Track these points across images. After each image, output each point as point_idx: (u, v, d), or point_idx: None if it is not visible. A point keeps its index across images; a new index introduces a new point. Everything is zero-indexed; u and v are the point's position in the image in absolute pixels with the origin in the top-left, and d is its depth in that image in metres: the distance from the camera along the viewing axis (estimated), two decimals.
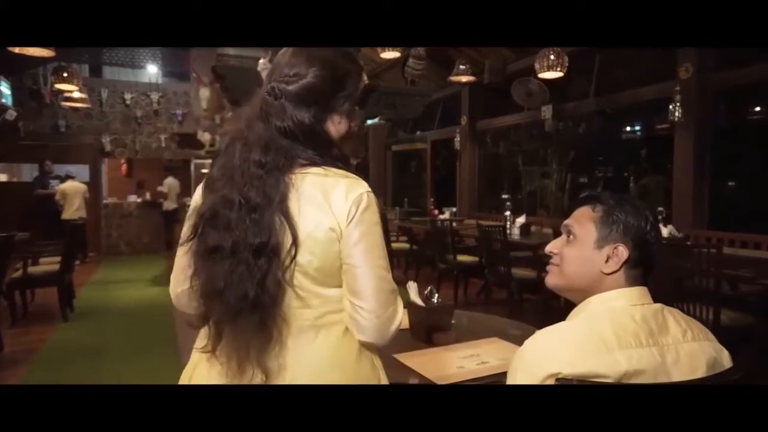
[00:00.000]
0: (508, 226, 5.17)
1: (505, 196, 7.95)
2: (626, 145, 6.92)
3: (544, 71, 5.13)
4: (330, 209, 0.96)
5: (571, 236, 1.03)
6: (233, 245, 0.94)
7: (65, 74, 6.70)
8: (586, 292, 0.99)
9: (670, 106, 4.55)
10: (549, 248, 1.07)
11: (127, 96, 9.82)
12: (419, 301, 1.79)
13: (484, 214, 7.28)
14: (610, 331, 0.88)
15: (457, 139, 7.75)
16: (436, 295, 1.82)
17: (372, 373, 1.04)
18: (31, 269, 4.79)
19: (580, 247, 1.01)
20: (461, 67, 6.01)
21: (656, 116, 5.97)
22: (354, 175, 1.01)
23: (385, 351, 1.68)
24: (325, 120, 1.04)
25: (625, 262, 0.96)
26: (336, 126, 1.06)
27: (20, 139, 8.91)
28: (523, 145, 7.86)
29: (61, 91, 7.79)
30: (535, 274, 4.59)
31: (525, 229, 5.19)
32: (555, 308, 4.65)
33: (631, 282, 0.97)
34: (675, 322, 0.95)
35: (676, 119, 4.53)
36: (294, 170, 0.98)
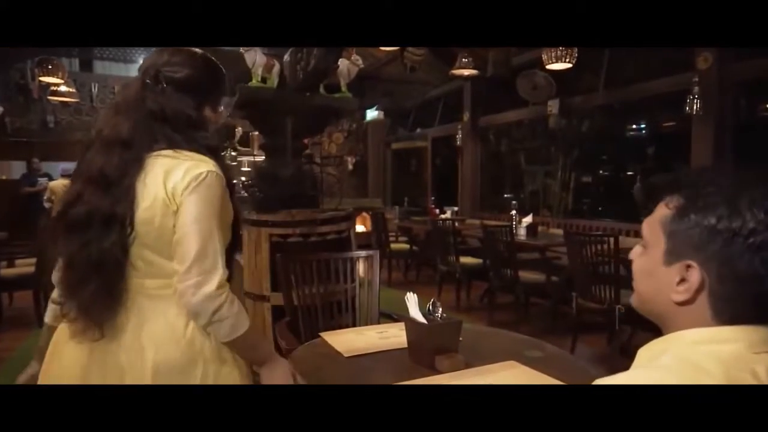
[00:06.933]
0: (513, 226, 4.87)
1: (507, 196, 7.68)
2: (632, 144, 6.64)
3: (552, 62, 4.87)
4: (167, 185, 1.07)
5: (644, 244, 0.73)
6: (87, 215, 1.07)
7: (50, 66, 6.42)
8: (665, 321, 0.69)
9: (688, 99, 4.26)
10: (630, 256, 0.76)
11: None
12: (420, 317, 1.49)
13: (487, 214, 6.99)
14: None
15: (459, 135, 7.47)
16: (440, 309, 1.52)
17: (212, 355, 1.12)
18: (5, 271, 4.49)
19: (649, 260, 0.71)
20: (464, 59, 5.73)
21: (664, 113, 5.69)
22: (204, 158, 1.12)
23: (380, 379, 1.38)
24: (202, 108, 1.19)
25: (701, 291, 0.64)
26: (208, 115, 1.22)
27: (7, 136, 8.62)
28: (525, 143, 7.57)
29: (49, 86, 7.51)
30: (543, 278, 4.30)
31: (532, 229, 4.89)
32: (565, 314, 4.36)
33: (726, 318, 0.64)
34: None
35: (695, 112, 4.24)
36: (152, 152, 1.11)
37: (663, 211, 0.70)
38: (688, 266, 0.65)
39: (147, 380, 1.06)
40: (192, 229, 1.05)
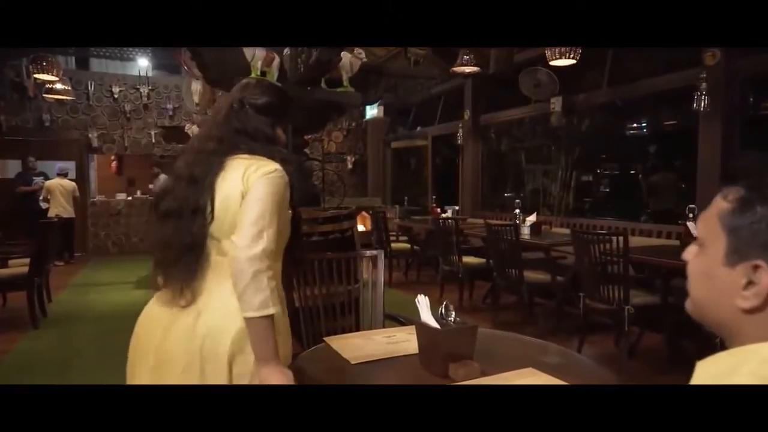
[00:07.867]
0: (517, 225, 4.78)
1: (508, 194, 7.58)
2: (633, 142, 6.57)
3: (556, 58, 4.78)
4: (243, 178, 1.31)
5: (699, 243, 0.64)
6: (178, 208, 1.33)
7: (45, 64, 6.32)
8: (728, 331, 0.61)
9: (695, 95, 4.18)
10: (683, 256, 0.68)
11: (116, 89, 9.40)
12: (432, 321, 1.40)
13: (488, 213, 6.91)
14: None
15: (460, 134, 7.38)
16: (453, 312, 1.43)
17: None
18: None
19: (706, 261, 0.62)
20: (465, 57, 5.64)
21: (668, 110, 5.61)
22: (273, 162, 1.35)
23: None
24: (275, 128, 1.45)
25: None
26: (279, 133, 1.48)
27: (2, 134, 8.49)
28: (526, 141, 7.48)
29: (45, 83, 7.39)
30: (548, 277, 4.21)
31: (536, 228, 4.80)
32: (569, 315, 4.27)
33: None
34: None
35: (702, 109, 4.16)
36: (232, 156, 1.36)
37: (721, 204, 0.61)
38: (756, 267, 0.57)
39: (225, 344, 1.26)
40: (252, 205, 1.26)
